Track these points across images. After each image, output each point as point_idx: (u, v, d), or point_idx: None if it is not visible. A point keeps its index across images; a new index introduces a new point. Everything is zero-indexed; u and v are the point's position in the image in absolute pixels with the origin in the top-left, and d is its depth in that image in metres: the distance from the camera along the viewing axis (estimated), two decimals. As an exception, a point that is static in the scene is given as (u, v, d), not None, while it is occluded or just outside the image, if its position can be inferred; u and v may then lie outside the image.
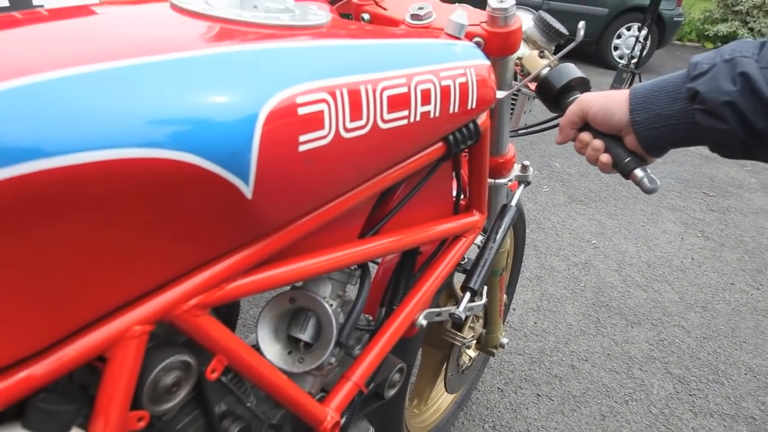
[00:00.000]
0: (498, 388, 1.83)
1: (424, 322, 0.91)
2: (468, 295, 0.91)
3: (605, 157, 0.81)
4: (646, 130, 0.74)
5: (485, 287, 1.04)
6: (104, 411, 0.52)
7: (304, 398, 0.74)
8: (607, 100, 0.76)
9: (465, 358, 1.48)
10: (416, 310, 0.90)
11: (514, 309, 2.19)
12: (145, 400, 0.56)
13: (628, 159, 0.78)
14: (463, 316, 0.90)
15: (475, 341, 1.44)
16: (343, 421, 0.82)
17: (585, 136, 0.81)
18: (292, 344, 0.78)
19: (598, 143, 0.80)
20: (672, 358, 2.06)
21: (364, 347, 0.92)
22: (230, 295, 0.60)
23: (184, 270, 0.55)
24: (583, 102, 0.79)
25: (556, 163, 3.55)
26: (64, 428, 0.48)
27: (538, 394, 1.83)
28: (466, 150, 0.90)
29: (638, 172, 0.78)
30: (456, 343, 1.31)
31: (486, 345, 1.46)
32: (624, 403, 1.84)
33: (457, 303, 1.15)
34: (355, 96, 0.60)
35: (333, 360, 0.79)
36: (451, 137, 0.78)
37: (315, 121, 0.56)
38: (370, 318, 1.00)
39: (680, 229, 3.00)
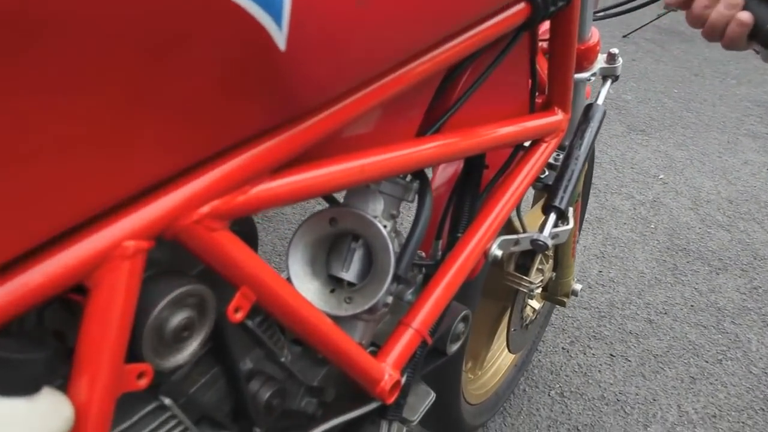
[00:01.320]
0: (563, 348, 1.74)
1: (499, 253, 0.79)
2: (553, 216, 0.79)
3: (745, 16, 0.67)
4: None
5: (571, 209, 0.91)
6: (89, 363, 0.41)
7: (355, 350, 0.63)
8: None
9: (528, 311, 1.37)
10: (488, 236, 0.78)
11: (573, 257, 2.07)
12: (146, 350, 0.44)
13: None
14: (549, 243, 0.78)
15: (542, 287, 1.33)
16: (403, 380, 0.71)
17: None
18: (334, 282, 0.67)
19: None
20: (769, 307, 1.94)
21: (419, 289, 0.81)
22: (255, 202, 0.48)
23: (193, 159, 0.43)
24: None
25: (610, 89, 3.37)
26: (30, 385, 0.37)
27: (611, 354, 1.73)
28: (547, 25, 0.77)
29: None
30: (522, 289, 1.20)
31: (555, 293, 1.35)
32: (717, 363, 1.73)
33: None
34: None
35: (389, 299, 0.67)
36: (537, -7, 0.64)
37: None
38: (423, 255, 0.89)
39: (765, 159, 2.84)
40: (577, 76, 0.95)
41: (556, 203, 0.80)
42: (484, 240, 0.78)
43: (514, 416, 1.55)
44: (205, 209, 0.45)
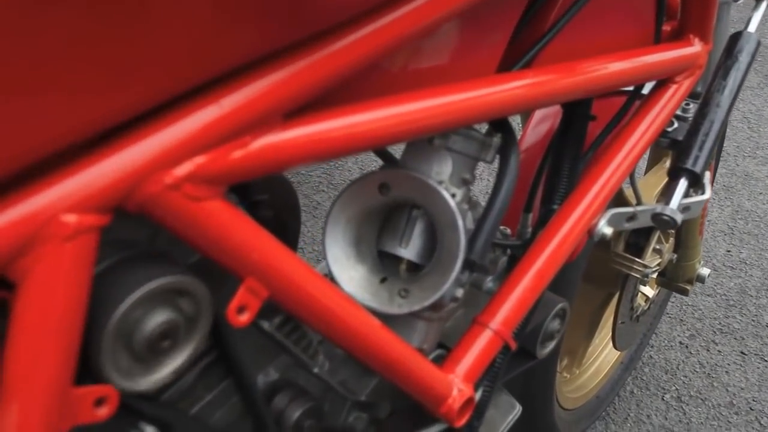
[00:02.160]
0: (681, 342, 1.57)
1: (609, 231, 0.65)
2: (684, 183, 0.64)
3: None
4: None
5: (707, 175, 0.75)
6: (19, 386, 0.31)
7: (412, 360, 0.51)
8: None
9: (640, 300, 1.22)
10: (594, 211, 0.64)
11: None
12: (106, 367, 0.34)
13: None
14: (679, 219, 0.63)
15: (658, 272, 1.17)
16: (478, 396, 0.59)
17: None
18: (388, 266, 0.55)
19: None
20: None
21: (501, 276, 0.69)
22: (258, 159, 0.37)
23: (162, 94, 0.32)
24: None
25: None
26: None
27: (742, 352, 1.55)
28: None
29: None
30: (633, 274, 1.05)
31: (676, 278, 1.20)
32: None
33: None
34: None
35: (459, 292, 0.55)
36: None
37: None
38: (508, 231, 0.76)
39: None
40: (723, -5, 0.78)
41: (689, 165, 0.65)
42: (588, 214, 0.64)
43: (619, 423, 1.41)
44: (184, 169, 0.34)
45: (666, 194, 0.65)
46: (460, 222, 0.50)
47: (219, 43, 0.33)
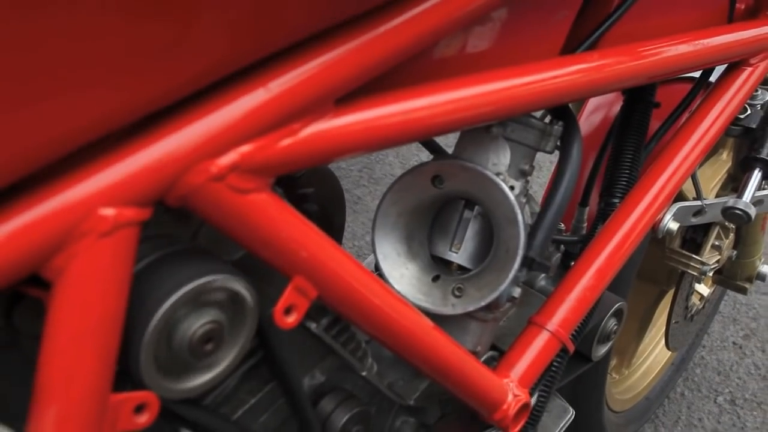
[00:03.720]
0: (734, 343, 1.52)
1: (675, 226, 0.61)
2: (758, 174, 0.60)
3: None
4: None
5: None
6: (55, 391, 0.29)
7: (466, 363, 0.48)
8: None
9: (695, 298, 1.17)
10: (659, 205, 0.61)
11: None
12: (146, 371, 0.32)
13: None
14: (752, 213, 0.59)
15: (714, 271, 1.12)
16: (534, 401, 0.56)
17: None
18: (440, 264, 0.53)
19: None
20: None
21: (557, 275, 0.66)
22: (309, 149, 0.35)
23: (205, 78, 0.30)
24: None
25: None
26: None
27: (800, 354, 1.48)
28: None
29: None
30: (690, 271, 1.00)
31: (734, 276, 1.15)
32: None
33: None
34: None
35: (517, 292, 0.52)
36: None
37: None
38: (563, 227, 0.73)
39: None
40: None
41: (764, 155, 0.60)
42: (653, 209, 0.60)
43: (670, 427, 1.37)
44: (229, 158, 0.31)
45: (740, 186, 0.61)
46: (520, 216, 0.47)
47: (264, 22, 0.30)
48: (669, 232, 0.61)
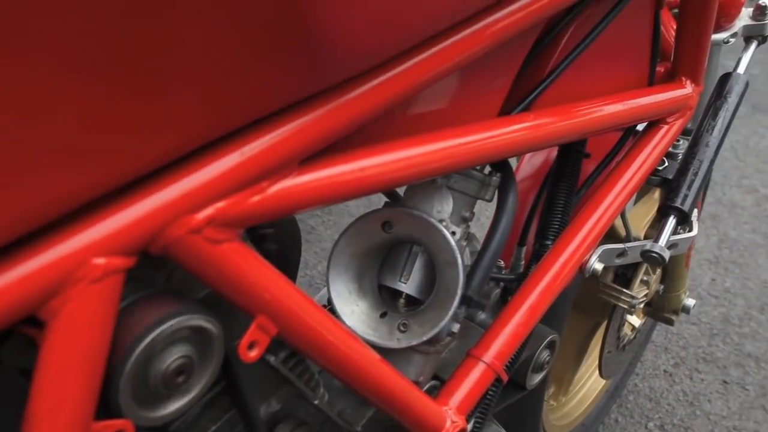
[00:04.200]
0: (665, 371, 1.60)
1: (600, 267, 0.68)
2: (672, 220, 0.67)
3: None
4: None
5: (695, 212, 0.79)
6: (45, 420, 0.33)
7: (408, 392, 0.53)
8: None
9: (627, 329, 1.25)
10: (586, 247, 0.67)
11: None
12: (124, 402, 0.36)
13: None
14: (666, 255, 0.66)
15: (645, 302, 1.20)
16: (470, 427, 0.62)
17: None
18: (388, 301, 0.58)
19: None
20: None
21: (495, 309, 0.71)
22: (275, 204, 0.39)
23: (187, 146, 0.35)
24: None
25: (729, 61, 3.13)
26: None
27: (724, 381, 1.58)
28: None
29: None
30: (620, 304, 1.08)
31: (661, 308, 1.22)
32: None
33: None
34: None
35: (456, 327, 0.58)
36: None
37: None
38: (502, 264, 0.79)
39: None
40: (713, 36, 0.82)
41: (678, 204, 0.68)
42: (581, 251, 0.67)
43: (604, 451, 1.43)
44: (205, 213, 0.36)
45: (655, 231, 0.68)
46: (459, 260, 0.53)
47: (241, 99, 0.35)
48: (594, 272, 0.68)
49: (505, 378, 0.63)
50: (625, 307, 1.09)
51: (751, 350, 1.66)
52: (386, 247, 0.57)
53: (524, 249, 0.76)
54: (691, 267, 1.91)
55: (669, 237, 0.68)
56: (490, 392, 0.63)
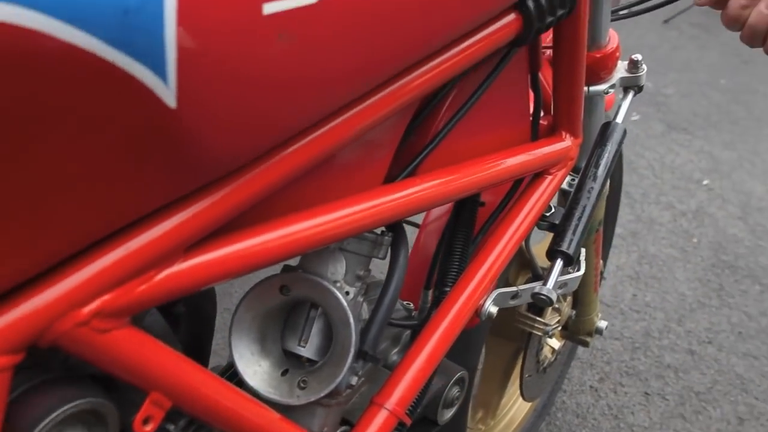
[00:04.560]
0: (591, 386, 1.67)
1: (495, 310, 0.73)
2: (559, 263, 0.72)
3: None
4: None
5: (583, 251, 0.85)
6: None
7: (311, 445, 0.56)
8: None
9: (546, 352, 1.30)
10: (481, 291, 0.72)
11: (604, 279, 1.99)
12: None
13: None
14: (554, 297, 0.71)
15: (560, 327, 1.26)
16: (377, 471, 0.65)
17: None
18: (291, 358, 0.61)
19: None
20: (830, 333, 1.84)
21: (404, 351, 0.75)
22: (163, 290, 0.42)
23: (68, 249, 0.37)
24: None
25: (647, 81, 3.28)
26: None
27: (646, 393, 1.65)
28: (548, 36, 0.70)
29: None
30: (535, 332, 1.13)
31: (576, 332, 1.28)
32: (768, 400, 1.65)
33: (539, 276, 0.97)
34: None
35: (354, 380, 0.61)
36: (530, 2, 0.57)
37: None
38: (411, 306, 0.83)
39: (824, 158, 2.74)
40: (593, 88, 0.88)
41: (564, 248, 0.73)
42: (476, 295, 0.71)
43: (534, 469, 1.48)
44: (91, 307, 0.39)
45: (546, 273, 0.74)
46: (351, 320, 0.57)
47: (119, 203, 0.38)
48: (489, 315, 0.72)
49: (408, 422, 0.66)
50: (540, 334, 1.15)
51: (670, 362, 1.75)
52: (287, 307, 0.61)
53: (431, 293, 0.80)
54: (613, 284, 2.00)
55: (557, 279, 0.73)
56: (395, 435, 0.67)
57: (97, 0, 0.29)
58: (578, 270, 0.81)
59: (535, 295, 0.72)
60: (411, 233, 0.82)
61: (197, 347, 0.69)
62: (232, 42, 0.35)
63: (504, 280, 1.00)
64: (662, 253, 2.14)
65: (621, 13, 0.88)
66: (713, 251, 2.15)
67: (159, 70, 0.32)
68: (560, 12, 0.60)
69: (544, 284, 0.72)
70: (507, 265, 0.83)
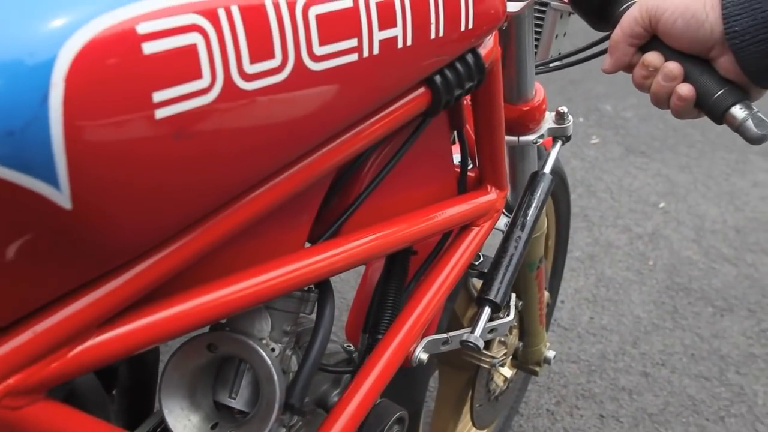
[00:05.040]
0: (547, 409, 1.69)
1: (425, 357, 0.75)
2: (487, 311, 0.75)
3: (686, 90, 0.64)
4: (751, 45, 0.58)
5: (512, 296, 0.88)
6: None
7: (238, 497, 0.58)
8: (692, 1, 0.59)
9: (498, 381, 1.33)
10: (411, 339, 0.74)
11: (562, 302, 2.03)
12: None
13: (722, 91, 0.61)
14: (481, 344, 0.74)
15: (510, 357, 1.29)
16: None
17: (652, 57, 0.65)
18: (221, 413, 0.63)
19: (673, 67, 0.63)
20: (778, 353, 1.89)
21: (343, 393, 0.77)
22: (76, 365, 0.44)
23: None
24: (650, 4, 0.62)
25: (606, 105, 3.35)
26: None
27: (601, 415, 1.68)
28: (468, 97, 0.73)
29: (738, 112, 0.62)
30: (482, 364, 1.16)
31: (525, 362, 1.31)
32: (719, 420, 1.68)
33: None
34: (255, 18, 0.43)
35: (283, 430, 0.63)
36: (437, 78, 0.60)
37: (182, 65, 0.39)
38: (352, 348, 0.85)
39: (776, 180, 2.80)
40: (522, 139, 0.91)
41: (491, 296, 0.75)
42: (406, 342, 0.74)
43: (491, 493, 1.50)
44: (2, 387, 0.41)
45: (474, 322, 0.76)
46: (275, 376, 0.59)
47: (22, 292, 0.40)
48: (420, 362, 0.75)
49: (341, 468, 0.68)
50: (487, 366, 1.18)
51: (624, 384, 1.78)
52: (216, 363, 0.63)
53: (367, 337, 0.82)
54: (570, 307, 2.03)
55: (485, 326, 0.76)
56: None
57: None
58: (507, 316, 0.84)
59: (463, 342, 0.75)
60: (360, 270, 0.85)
61: (140, 392, 0.71)
62: (125, 148, 0.37)
63: (451, 312, 1.03)
64: (619, 275, 2.18)
65: (540, 68, 0.92)
66: (668, 274, 2.20)
67: (51, 179, 0.34)
68: (468, 84, 0.63)
69: (472, 332, 0.75)
70: (448, 301, 0.86)
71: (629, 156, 2.91)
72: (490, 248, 0.84)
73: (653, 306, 2.05)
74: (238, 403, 0.62)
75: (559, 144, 0.92)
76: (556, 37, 0.95)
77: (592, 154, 2.90)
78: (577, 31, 1.03)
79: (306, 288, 0.65)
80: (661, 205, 2.57)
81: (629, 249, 2.31)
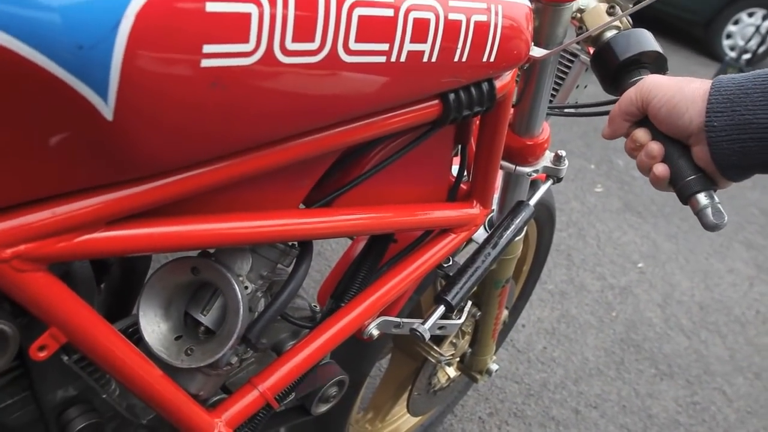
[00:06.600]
0: (480, 417, 1.74)
1: (376, 333, 0.80)
2: (441, 309, 0.80)
3: (661, 169, 0.69)
4: (725, 141, 0.62)
5: (468, 303, 0.92)
6: None
7: (181, 401, 0.64)
8: (679, 91, 0.64)
9: (441, 377, 1.38)
10: (369, 313, 0.79)
11: (523, 326, 2.08)
12: None
13: (692, 178, 0.66)
14: (426, 336, 0.79)
15: (457, 360, 1.34)
16: (237, 438, 0.72)
17: (640, 134, 0.70)
18: (189, 328, 0.68)
19: (655, 147, 0.68)
20: (701, 428, 1.93)
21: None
22: (79, 250, 0.49)
23: (6, 200, 0.45)
24: (646, 87, 0.67)
25: (619, 160, 3.38)
26: None
27: (526, 436, 1.73)
28: (477, 118, 0.78)
29: (702, 199, 0.66)
30: (429, 358, 1.21)
31: (469, 368, 1.36)
32: (628, 471, 1.73)
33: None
34: (307, 5, 0.48)
35: (234, 359, 0.69)
36: (451, 96, 0.65)
37: (234, 28, 0.44)
38: (318, 308, 0.90)
39: (752, 273, 2.84)
40: (519, 168, 0.95)
41: (448, 297, 0.80)
42: (364, 315, 0.79)
43: (408, 475, 1.55)
44: (13, 250, 0.46)
45: (426, 315, 0.81)
46: (241, 310, 0.64)
47: (50, 176, 0.45)
48: (371, 336, 0.80)
49: (275, 406, 0.73)
50: (433, 361, 1.23)
51: (556, 414, 1.83)
52: (194, 287, 0.68)
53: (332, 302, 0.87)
54: (529, 333, 2.08)
55: (436, 321, 0.81)
56: (260, 414, 0.74)
57: (58, 35, 0.36)
58: (458, 319, 0.89)
59: (412, 330, 0.80)
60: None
61: (125, 293, 0.76)
62: (168, 82, 0.42)
63: (416, 303, 1.08)
64: (582, 317, 2.23)
65: (559, 110, 0.96)
66: (626, 328, 2.25)
67: (102, 92, 0.39)
68: (478, 109, 0.68)
69: (423, 323, 0.80)
70: (414, 294, 0.91)
71: (626, 212, 2.95)
72: (465, 256, 0.89)
73: (603, 353, 2.10)
74: (207, 320, 0.67)
75: (550, 182, 0.96)
76: (577, 86, 0.99)
77: (592, 201, 2.94)
78: (598, 87, 1.08)
79: (290, 244, 0.70)
80: (640, 264, 2.62)
81: (599, 296, 2.35)
